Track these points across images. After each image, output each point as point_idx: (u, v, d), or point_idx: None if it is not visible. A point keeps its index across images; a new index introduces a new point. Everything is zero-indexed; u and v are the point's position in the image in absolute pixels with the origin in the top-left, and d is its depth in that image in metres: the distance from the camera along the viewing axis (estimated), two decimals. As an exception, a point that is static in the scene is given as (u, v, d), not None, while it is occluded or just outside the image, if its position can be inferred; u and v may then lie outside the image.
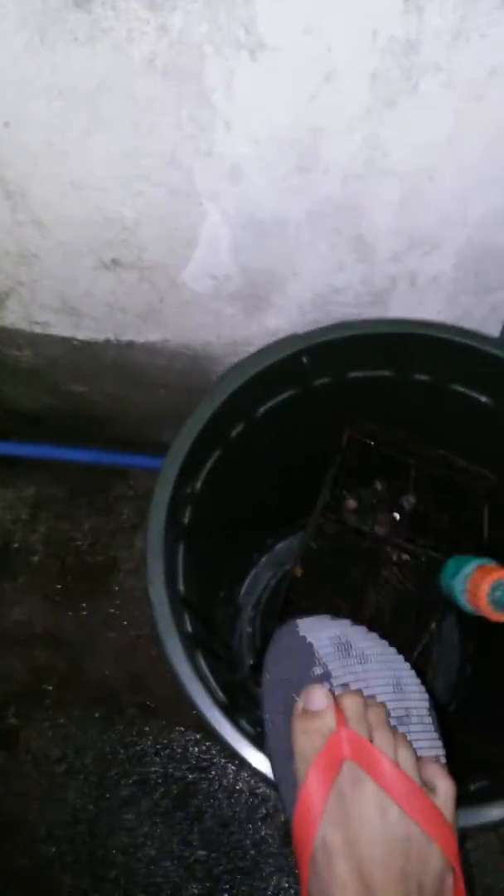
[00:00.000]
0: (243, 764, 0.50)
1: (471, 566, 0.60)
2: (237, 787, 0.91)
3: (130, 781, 0.91)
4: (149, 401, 0.88)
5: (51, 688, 0.95)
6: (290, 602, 0.77)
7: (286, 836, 0.88)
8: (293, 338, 0.60)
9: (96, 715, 0.94)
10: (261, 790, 0.91)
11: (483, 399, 0.64)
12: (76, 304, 0.71)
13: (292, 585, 0.75)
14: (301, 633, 0.50)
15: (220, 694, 0.55)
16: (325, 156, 0.51)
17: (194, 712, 0.52)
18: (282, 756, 0.46)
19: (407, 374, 0.65)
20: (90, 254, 0.63)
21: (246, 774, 0.91)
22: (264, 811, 0.90)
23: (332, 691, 0.47)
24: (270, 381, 0.62)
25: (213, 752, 0.93)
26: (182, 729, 0.93)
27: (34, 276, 0.67)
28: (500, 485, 0.71)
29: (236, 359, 0.61)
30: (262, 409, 0.66)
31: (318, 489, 0.76)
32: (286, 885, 0.86)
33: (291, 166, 0.52)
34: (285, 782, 0.45)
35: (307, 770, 0.42)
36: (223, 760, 0.92)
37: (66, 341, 0.78)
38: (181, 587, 0.60)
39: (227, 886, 0.87)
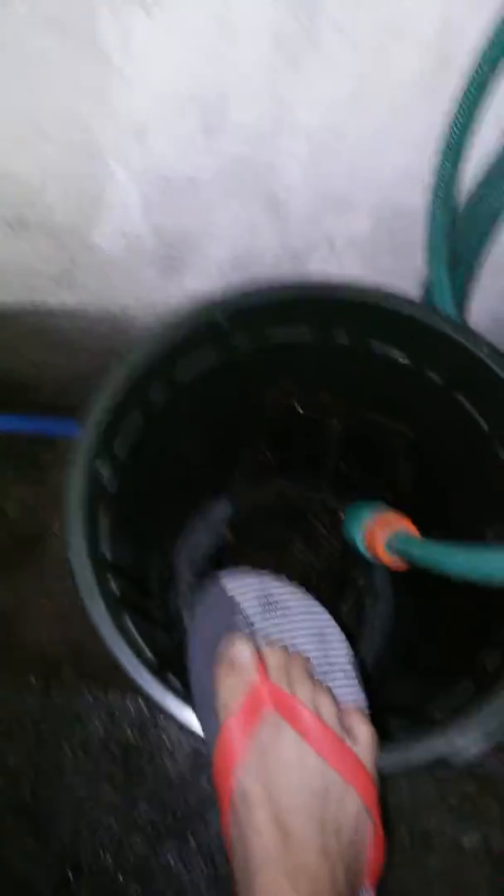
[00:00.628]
0: (171, 719, 0.51)
1: (370, 514, 0.62)
2: (179, 747, 0.93)
3: (71, 744, 0.92)
4: (71, 365, 0.87)
5: (-15, 657, 0.94)
6: (222, 567, 0.78)
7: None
8: (209, 301, 0.59)
9: (34, 681, 0.94)
10: (201, 747, 0.92)
11: (400, 358, 0.65)
12: (-13, 268, 0.69)
13: (224, 550, 0.76)
14: (224, 588, 0.51)
15: (149, 654, 0.55)
16: (231, 114, 0.50)
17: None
18: (206, 708, 0.46)
19: (326, 337, 0.65)
20: (-4, 216, 0.61)
21: (189, 738, 0.93)
22: (206, 773, 0.92)
23: (254, 644, 0.48)
24: (189, 345, 0.62)
25: (154, 713, 0.94)
26: (121, 692, 0.94)
27: None
28: (418, 440, 0.73)
29: (155, 321, 0.60)
30: (182, 376, 0.65)
31: (245, 453, 0.77)
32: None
33: (197, 124, 0.51)
34: (209, 733, 0.46)
35: (227, 719, 0.43)
36: (163, 721, 0.94)
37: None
38: (106, 551, 0.60)
39: (175, 841, 0.89)
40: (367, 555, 0.62)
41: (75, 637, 0.96)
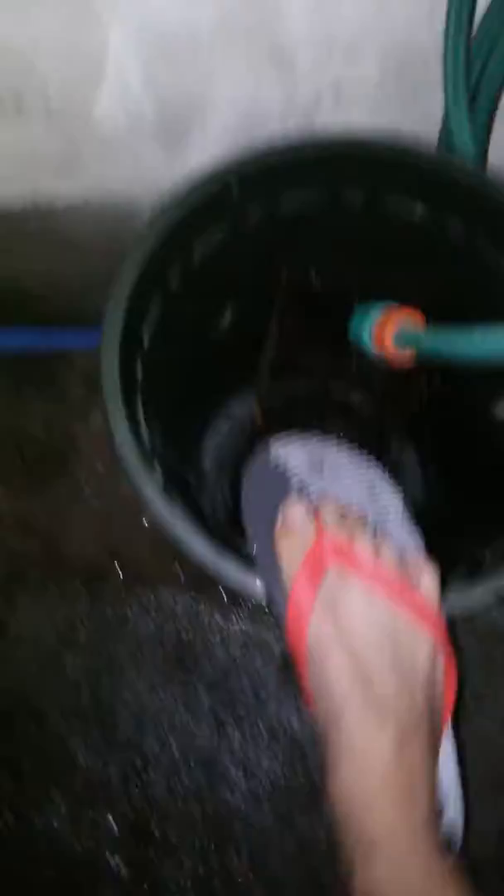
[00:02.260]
0: (234, 588, 0.52)
1: (378, 312, 0.60)
2: (230, 635, 0.95)
3: (125, 644, 0.94)
4: (81, 270, 0.84)
5: (31, 570, 0.96)
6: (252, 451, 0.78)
7: (284, 668, 0.94)
8: (219, 165, 0.57)
9: (82, 588, 0.96)
10: (253, 633, 0.95)
11: (417, 210, 0.62)
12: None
13: (255, 436, 0.75)
14: (274, 455, 0.52)
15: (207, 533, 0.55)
16: None
17: (184, 557, 0.53)
18: (271, 573, 0.47)
19: (340, 198, 0.63)
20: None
21: (236, 621, 0.96)
22: (259, 651, 0.94)
23: (309, 503, 0.48)
24: (200, 218, 0.60)
25: (201, 604, 0.96)
26: (168, 590, 0.96)
27: None
28: (437, 302, 0.71)
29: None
30: (196, 253, 0.63)
31: (264, 333, 0.75)
32: (290, 712, 0.92)
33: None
34: (277, 599, 0.47)
35: (293, 579, 0.44)
36: (213, 613, 0.96)
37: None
38: (146, 441, 0.60)
39: (235, 725, 0.92)
40: (374, 351, 0.61)
41: (115, 544, 0.98)
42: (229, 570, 0.52)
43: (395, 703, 0.40)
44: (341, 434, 0.74)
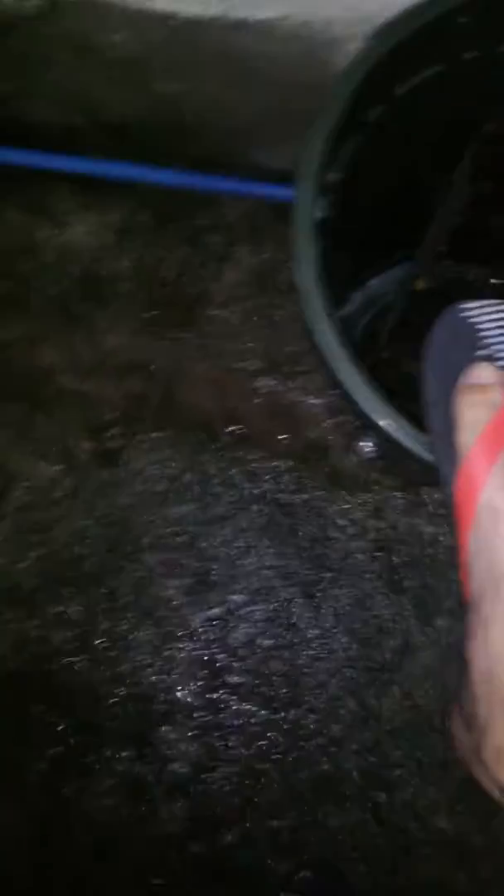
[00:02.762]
0: (401, 449, 0.51)
1: None
2: (328, 511, 0.96)
3: (227, 501, 0.96)
4: (250, 103, 0.80)
5: (147, 413, 0.97)
6: (405, 322, 0.75)
7: (375, 551, 0.94)
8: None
9: (192, 440, 0.97)
10: (350, 513, 0.95)
11: None
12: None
13: (410, 302, 0.72)
14: (464, 315, 0.49)
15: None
16: None
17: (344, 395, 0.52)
18: (443, 434, 0.46)
19: None
20: None
21: (335, 499, 0.96)
22: (353, 531, 0.95)
23: (500, 370, 0.46)
24: (419, 46, 0.54)
25: (305, 477, 0.96)
26: (275, 457, 0.97)
27: None
28: None
29: (358, 44, 0.53)
30: (402, 88, 0.58)
31: (428, 220, 0.70)
32: (375, 593, 0.94)
33: None
34: (446, 456, 0.45)
35: (474, 439, 0.43)
36: (314, 486, 0.96)
37: (166, 20, 0.68)
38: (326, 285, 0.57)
39: (321, 592, 0.94)
40: None
41: (230, 403, 0.98)
42: (396, 422, 0.51)
43: None
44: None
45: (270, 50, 0.70)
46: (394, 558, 0.95)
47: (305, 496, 0.96)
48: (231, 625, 0.94)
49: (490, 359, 0.48)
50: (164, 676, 0.94)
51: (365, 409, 0.51)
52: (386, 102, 0.59)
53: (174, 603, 0.95)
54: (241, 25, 0.67)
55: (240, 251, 1.00)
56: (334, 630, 0.94)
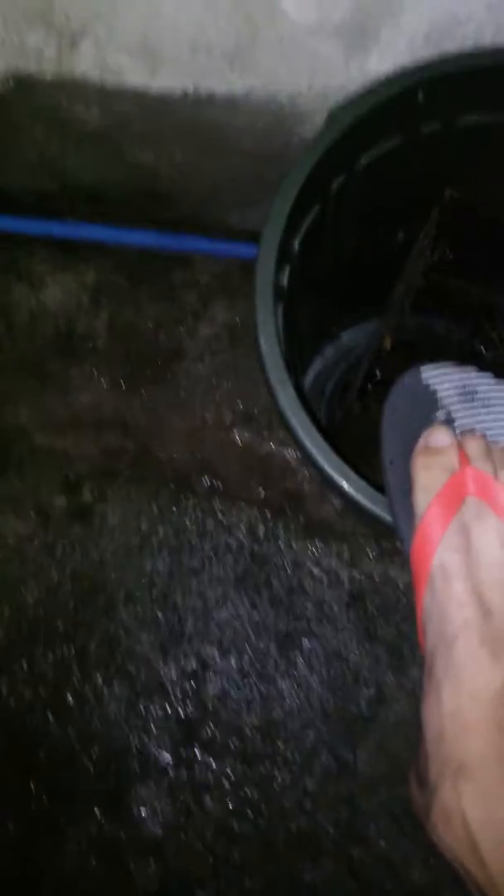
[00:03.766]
0: (360, 509, 0.52)
1: None
2: (302, 561, 0.96)
3: (201, 553, 0.97)
4: (219, 171, 0.83)
5: (122, 468, 0.98)
6: (373, 377, 0.77)
7: (349, 602, 0.95)
8: (411, 68, 0.55)
9: (167, 493, 0.98)
10: (325, 562, 0.96)
11: None
12: (157, 43, 0.64)
13: (378, 360, 0.74)
14: (424, 379, 0.51)
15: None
16: None
17: (309, 462, 0.53)
18: (401, 493, 0.47)
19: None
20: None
21: (311, 548, 0.97)
22: (327, 581, 0.96)
23: (455, 432, 0.47)
24: (378, 123, 0.58)
25: (280, 527, 0.97)
26: (250, 507, 0.98)
27: (115, 6, 0.61)
28: None
29: (324, 117, 0.56)
30: (364, 159, 0.61)
31: (395, 276, 0.73)
32: (349, 643, 0.94)
33: None
34: (404, 517, 0.46)
35: (429, 501, 0.44)
36: (289, 537, 0.97)
37: (138, 96, 0.71)
38: (284, 347, 0.59)
39: (294, 645, 0.94)
40: None
41: (205, 454, 0.99)
42: (356, 484, 0.52)
43: None
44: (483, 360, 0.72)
45: (238, 122, 0.74)
46: (368, 607, 0.95)
47: (281, 546, 0.97)
48: (205, 678, 0.94)
49: (447, 422, 0.49)
50: (138, 733, 0.93)
51: (324, 472, 0.53)
52: (348, 173, 0.61)
53: (148, 658, 0.95)
54: (209, 100, 0.71)
55: (214, 307, 1.02)
56: (309, 681, 0.94)
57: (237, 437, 0.99)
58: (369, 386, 0.79)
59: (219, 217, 0.96)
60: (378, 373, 0.79)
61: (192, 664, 0.95)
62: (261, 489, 0.99)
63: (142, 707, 0.94)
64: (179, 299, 1.01)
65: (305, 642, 0.95)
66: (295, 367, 0.82)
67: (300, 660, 0.94)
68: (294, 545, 0.97)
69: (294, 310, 0.70)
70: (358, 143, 0.58)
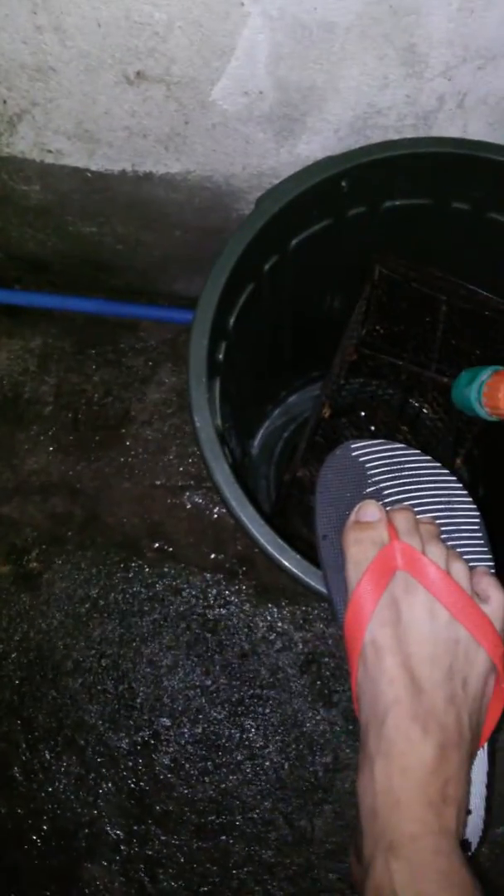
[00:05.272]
0: (295, 578, 0.52)
1: (487, 373, 0.61)
2: (255, 625, 0.96)
3: (152, 619, 0.95)
4: (162, 243, 0.85)
5: (70, 534, 0.97)
6: (316, 445, 0.78)
7: (303, 666, 0.94)
8: (332, 159, 0.57)
9: (116, 558, 0.97)
10: (278, 626, 0.96)
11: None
12: (93, 127, 0.66)
13: (318, 426, 0.76)
14: (354, 454, 0.51)
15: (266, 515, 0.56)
16: None
17: (246, 535, 0.54)
18: (334, 568, 0.47)
19: (445, 202, 0.62)
20: (114, 66, 0.58)
21: (264, 612, 0.96)
22: (281, 645, 0.95)
23: (384, 507, 0.48)
24: (306, 208, 0.60)
25: (232, 592, 0.97)
26: (200, 572, 0.97)
27: (51, 95, 0.62)
28: None
29: (260, 193, 0.58)
30: (294, 241, 0.63)
31: (337, 338, 0.75)
32: (304, 709, 0.93)
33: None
34: (337, 591, 0.47)
35: (360, 575, 0.44)
36: (241, 600, 0.96)
37: (78, 173, 0.73)
38: (219, 423, 0.60)
39: (248, 712, 0.93)
40: (484, 412, 0.61)
41: (154, 519, 0.99)
42: (291, 560, 0.52)
43: (442, 715, 0.40)
44: (407, 437, 0.74)
45: (178, 198, 0.76)
46: (323, 670, 0.95)
47: (233, 610, 0.96)
48: (157, 750, 0.92)
49: (377, 496, 0.50)
50: (88, 809, 0.90)
51: (260, 545, 0.53)
52: (280, 254, 0.63)
53: (98, 729, 0.92)
54: (147, 178, 0.72)
55: (162, 372, 1.03)
56: (264, 750, 0.92)
57: (187, 501, 0.99)
58: (312, 451, 0.80)
59: (165, 284, 0.97)
60: (321, 438, 0.80)
61: (144, 735, 0.93)
62: (212, 553, 0.99)
63: (92, 781, 0.91)
64: (127, 364, 1.02)
65: (259, 709, 0.93)
66: (239, 435, 0.84)
67: (254, 728, 0.93)
68: (246, 609, 0.96)
69: (237, 378, 0.72)
70: (286, 228, 0.60)
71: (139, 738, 0.92)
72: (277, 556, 0.52)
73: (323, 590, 0.51)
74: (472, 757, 0.42)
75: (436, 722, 0.40)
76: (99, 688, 0.94)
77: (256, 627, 0.96)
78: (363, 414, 0.76)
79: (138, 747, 0.92)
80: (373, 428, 0.72)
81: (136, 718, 0.93)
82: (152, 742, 0.92)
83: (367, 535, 0.46)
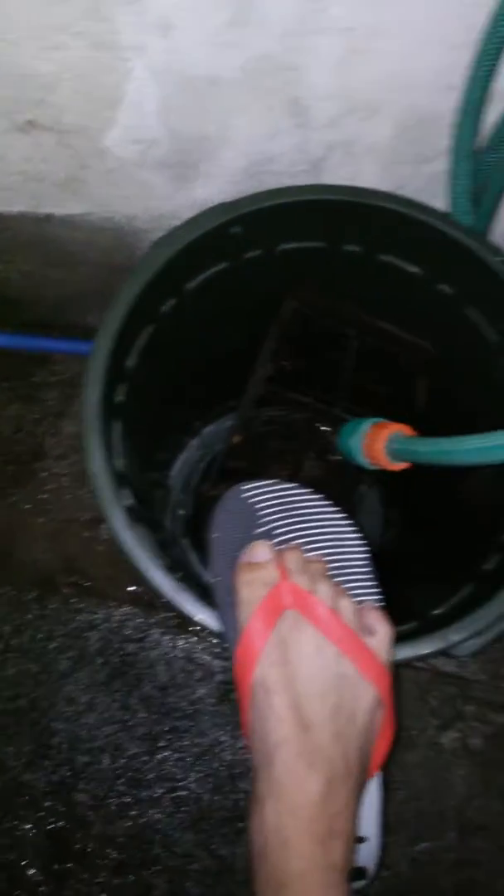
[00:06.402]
0: (187, 618, 0.53)
1: (366, 425, 0.63)
2: (174, 656, 0.96)
3: (69, 655, 0.94)
4: (71, 279, 0.85)
5: (-17, 573, 0.95)
6: (227, 470, 0.79)
7: (222, 695, 0.95)
8: (222, 206, 0.58)
9: (31, 596, 0.95)
10: (196, 656, 0.96)
11: (412, 269, 0.65)
12: (-11, 171, 0.66)
13: (231, 453, 0.77)
14: (244, 496, 0.53)
15: (164, 559, 0.57)
16: (262, 7, 0.49)
17: (140, 580, 0.54)
18: (227, 608, 0.48)
19: (338, 246, 0.65)
20: (5, 115, 0.59)
21: (182, 643, 0.96)
22: (200, 675, 0.95)
23: (274, 547, 0.49)
24: (200, 253, 0.61)
25: (149, 624, 0.97)
26: (117, 605, 0.96)
27: None
28: (438, 356, 0.74)
29: (161, 233, 0.59)
30: (192, 284, 0.64)
31: (248, 370, 0.77)
32: (224, 738, 0.93)
33: (226, 18, 0.49)
34: (231, 631, 0.48)
35: (249, 615, 0.45)
36: (159, 632, 0.96)
37: (-23, 214, 0.73)
38: (119, 464, 0.60)
39: (168, 744, 0.93)
40: (366, 462, 0.63)
41: (69, 554, 0.98)
42: (185, 602, 0.53)
43: (329, 751, 0.41)
44: (314, 463, 0.76)
45: (81, 237, 0.76)
46: (243, 698, 0.95)
47: (151, 643, 0.96)
48: (75, 788, 0.91)
49: (268, 536, 0.51)
50: (5, 853, 0.88)
51: (151, 585, 0.54)
52: (178, 296, 0.64)
53: (14, 771, 0.91)
54: (48, 219, 0.73)
55: (77, 404, 1.02)
56: (184, 781, 0.92)
57: (103, 534, 0.99)
58: (222, 476, 0.81)
59: (79, 317, 0.97)
60: (231, 466, 0.81)
61: (62, 773, 0.91)
62: (129, 585, 0.98)
63: (10, 824, 0.89)
64: (40, 398, 1.01)
65: (178, 742, 0.93)
66: (151, 468, 0.84)
67: (173, 760, 0.92)
68: (165, 641, 0.96)
69: (148, 414, 0.72)
70: (182, 270, 0.61)
71: (56, 777, 0.91)
72: (174, 597, 0.53)
73: (218, 629, 0.52)
74: (360, 788, 0.43)
75: (323, 758, 0.41)
76: (15, 728, 0.92)
77: (175, 659, 0.96)
78: (272, 441, 0.78)
79: (57, 787, 0.91)
80: (283, 452, 0.74)
81: (54, 757, 0.92)
82: (71, 781, 0.91)
83: (256, 576, 0.47)
